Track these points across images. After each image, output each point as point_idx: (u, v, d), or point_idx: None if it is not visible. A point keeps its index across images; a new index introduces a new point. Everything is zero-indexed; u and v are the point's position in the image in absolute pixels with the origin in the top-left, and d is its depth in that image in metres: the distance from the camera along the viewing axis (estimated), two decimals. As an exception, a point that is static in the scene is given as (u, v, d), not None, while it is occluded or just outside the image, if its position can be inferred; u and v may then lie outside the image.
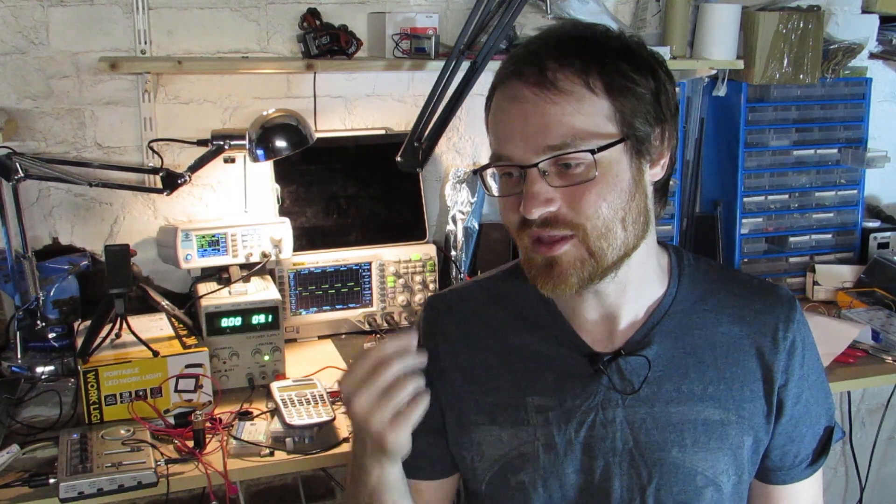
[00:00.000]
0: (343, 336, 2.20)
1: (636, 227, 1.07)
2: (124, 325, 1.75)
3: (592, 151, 1.01)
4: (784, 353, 1.15)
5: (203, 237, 2.01)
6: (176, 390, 1.72)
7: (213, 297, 1.92)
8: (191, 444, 1.60)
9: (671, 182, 2.61)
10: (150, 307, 1.98)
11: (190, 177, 1.97)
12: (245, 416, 1.73)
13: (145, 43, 2.06)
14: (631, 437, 1.12)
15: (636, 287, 1.14)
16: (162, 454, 1.57)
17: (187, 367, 1.73)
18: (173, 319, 1.91)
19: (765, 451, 1.17)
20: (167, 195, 2.00)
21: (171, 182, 1.96)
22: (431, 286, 2.25)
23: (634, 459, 1.12)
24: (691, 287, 1.17)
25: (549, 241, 1.05)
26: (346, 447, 1.64)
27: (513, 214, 1.07)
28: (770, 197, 2.54)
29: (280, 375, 1.90)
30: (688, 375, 1.13)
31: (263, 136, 1.94)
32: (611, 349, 1.14)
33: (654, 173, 1.10)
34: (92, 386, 1.66)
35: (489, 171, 1.10)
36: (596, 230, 1.03)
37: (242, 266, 2.04)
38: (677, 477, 1.11)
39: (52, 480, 1.47)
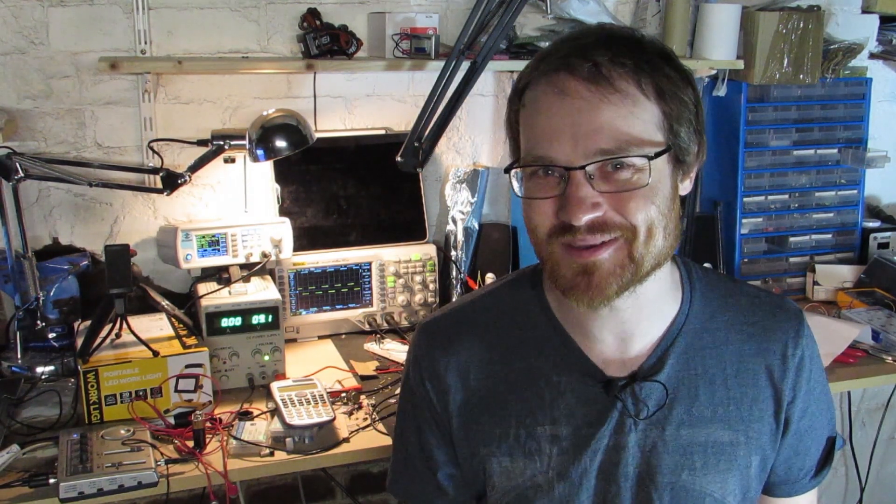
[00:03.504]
0: (343, 336, 2.19)
1: (672, 238, 1.03)
2: (124, 325, 1.75)
3: (649, 157, 0.96)
4: (793, 370, 1.13)
5: (203, 237, 2.01)
6: (176, 390, 1.72)
7: (213, 297, 1.92)
8: (191, 444, 1.60)
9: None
10: (150, 307, 1.98)
11: (190, 177, 1.97)
12: (245, 416, 1.73)
13: (145, 43, 2.06)
14: (642, 462, 1.09)
15: (653, 305, 1.09)
16: (162, 454, 1.57)
17: (187, 367, 1.72)
18: (173, 319, 1.90)
19: (771, 466, 1.16)
20: (167, 195, 2.00)
21: (171, 182, 1.96)
22: (431, 286, 2.25)
23: (645, 483, 1.09)
24: (703, 303, 1.13)
25: (590, 246, 0.98)
26: (345, 447, 1.64)
27: (545, 219, 0.99)
28: (770, 197, 2.54)
29: (280, 375, 1.90)
30: (698, 397, 1.10)
31: (263, 136, 1.94)
32: (623, 372, 1.09)
33: (683, 187, 1.06)
34: (92, 386, 1.66)
35: (520, 170, 1.01)
36: (644, 234, 0.98)
37: (242, 266, 2.04)
38: (687, 500, 1.09)
39: (52, 480, 1.47)
